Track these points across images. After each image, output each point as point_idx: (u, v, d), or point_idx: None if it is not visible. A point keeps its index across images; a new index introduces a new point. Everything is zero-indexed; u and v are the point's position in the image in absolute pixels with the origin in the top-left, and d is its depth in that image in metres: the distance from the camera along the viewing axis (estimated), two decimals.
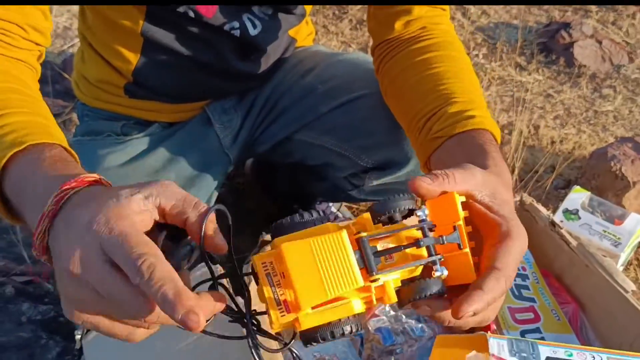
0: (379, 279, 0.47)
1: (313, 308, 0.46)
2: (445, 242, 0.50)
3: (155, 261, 0.43)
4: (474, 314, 0.51)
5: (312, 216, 0.49)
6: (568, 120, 1.74)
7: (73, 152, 0.58)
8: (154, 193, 0.48)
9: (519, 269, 0.95)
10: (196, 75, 0.94)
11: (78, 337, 0.85)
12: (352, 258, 0.45)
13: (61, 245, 0.47)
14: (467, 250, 0.50)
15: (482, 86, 1.87)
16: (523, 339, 0.75)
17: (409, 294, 0.51)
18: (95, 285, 0.45)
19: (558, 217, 1.19)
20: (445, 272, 0.49)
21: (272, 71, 1.02)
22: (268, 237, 0.85)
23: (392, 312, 0.90)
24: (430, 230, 0.51)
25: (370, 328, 0.89)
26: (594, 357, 0.73)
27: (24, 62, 0.70)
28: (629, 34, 2.11)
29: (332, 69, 1.01)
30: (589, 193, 1.25)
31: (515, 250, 0.53)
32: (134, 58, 0.91)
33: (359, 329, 0.49)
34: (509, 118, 1.73)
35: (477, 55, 2.02)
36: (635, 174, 1.30)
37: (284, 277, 0.45)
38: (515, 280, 0.93)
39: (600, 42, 2.00)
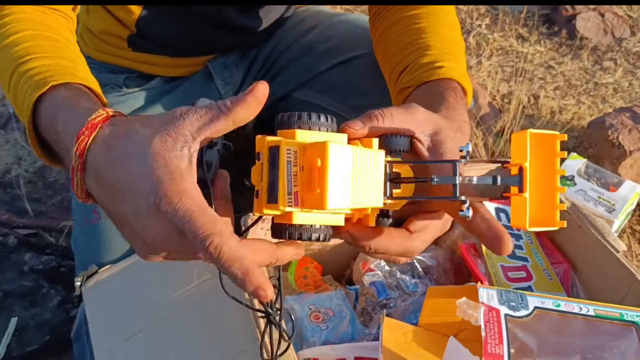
0: (386, 204, 0.47)
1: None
2: (500, 183, 0.48)
3: (221, 242, 0.45)
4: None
5: (320, 120, 0.48)
6: (568, 91, 1.75)
7: (97, 90, 0.60)
8: (188, 140, 0.48)
9: (512, 229, 0.97)
10: (196, 27, 0.94)
11: (77, 284, 0.86)
12: (382, 179, 0.46)
13: (124, 208, 0.49)
14: (527, 195, 0.48)
15: (484, 56, 1.87)
16: (512, 290, 0.77)
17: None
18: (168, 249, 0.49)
19: None
20: (470, 214, 0.48)
21: (274, 28, 1.02)
22: None
23: (387, 267, 0.92)
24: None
25: (365, 282, 0.90)
26: (580, 308, 0.75)
27: (60, 11, 0.71)
28: (632, 7, 2.10)
29: (333, 28, 1.02)
30: (585, 160, 1.27)
31: None
32: (136, 9, 0.91)
33: (327, 239, 0.49)
34: (509, 88, 1.73)
35: (479, 26, 2.02)
36: (632, 143, 1.31)
37: (304, 170, 0.45)
38: None
39: (602, 15, 2.00)
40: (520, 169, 0.48)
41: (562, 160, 0.50)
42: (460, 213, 0.48)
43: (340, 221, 0.49)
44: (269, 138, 0.48)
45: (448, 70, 0.69)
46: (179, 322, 0.81)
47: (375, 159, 0.46)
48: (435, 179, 0.47)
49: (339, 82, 0.97)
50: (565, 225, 0.49)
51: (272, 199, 0.46)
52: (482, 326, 0.71)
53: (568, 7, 2.01)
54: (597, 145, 1.37)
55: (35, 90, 0.57)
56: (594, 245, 0.88)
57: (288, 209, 0.45)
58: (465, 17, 2.05)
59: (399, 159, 0.51)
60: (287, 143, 0.46)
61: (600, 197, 1.21)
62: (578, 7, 2.01)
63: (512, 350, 0.70)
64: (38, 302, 1.03)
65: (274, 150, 0.47)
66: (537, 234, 0.95)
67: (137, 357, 0.80)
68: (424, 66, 0.71)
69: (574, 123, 1.59)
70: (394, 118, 0.53)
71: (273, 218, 0.49)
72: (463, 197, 0.47)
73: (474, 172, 1.04)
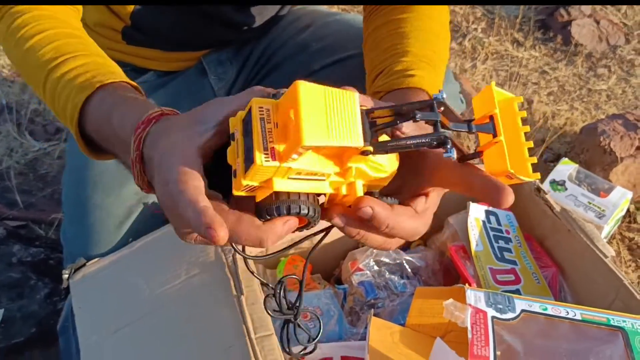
0: (370, 150, 0.45)
1: (290, 178, 0.46)
2: (475, 130, 0.48)
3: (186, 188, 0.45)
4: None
5: None
6: (561, 97, 1.75)
7: (135, 85, 0.62)
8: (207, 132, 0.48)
9: (502, 232, 0.97)
10: (192, 21, 0.94)
11: (65, 276, 0.86)
12: (358, 116, 0.45)
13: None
14: (502, 138, 0.47)
15: (479, 60, 1.87)
16: (499, 293, 0.77)
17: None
18: None
19: (545, 188, 1.21)
20: (454, 154, 0.46)
21: (269, 25, 1.02)
22: None
23: (376, 267, 0.92)
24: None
25: (353, 282, 0.90)
26: (567, 312, 0.75)
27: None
28: (627, 15, 2.11)
29: (327, 28, 1.02)
30: (576, 165, 1.27)
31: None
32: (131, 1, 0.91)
33: (316, 215, 0.49)
34: None
35: (475, 29, 2.02)
36: (624, 150, 1.32)
37: (278, 127, 0.44)
38: (498, 242, 0.95)
39: (598, 22, 2.00)
40: (491, 117, 0.48)
41: (523, 120, 0.50)
42: (444, 155, 0.46)
43: (324, 188, 0.48)
44: (241, 112, 0.47)
45: (419, 80, 0.69)
46: (166, 316, 0.80)
47: (348, 98, 0.45)
48: (419, 115, 0.46)
49: (332, 81, 0.97)
50: (539, 178, 0.49)
51: (249, 162, 0.44)
52: (469, 328, 0.71)
53: (563, 13, 2.02)
54: (588, 151, 1.38)
55: (80, 93, 0.59)
56: (582, 250, 0.88)
57: (266, 164, 0.43)
58: (461, 21, 2.05)
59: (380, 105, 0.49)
60: (258, 102, 0.45)
61: (590, 203, 1.21)
62: (573, 14, 2.01)
63: (498, 353, 0.70)
64: (25, 294, 1.02)
65: (247, 118, 0.45)
66: (526, 237, 0.96)
67: (124, 351, 0.80)
68: (397, 73, 0.71)
69: (567, 128, 1.59)
70: None
71: (255, 200, 0.47)
72: (447, 133, 0.46)
73: None
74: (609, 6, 2.13)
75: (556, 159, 1.47)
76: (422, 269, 0.93)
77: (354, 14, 1.06)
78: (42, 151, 1.39)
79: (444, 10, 0.82)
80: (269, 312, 0.60)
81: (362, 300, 0.89)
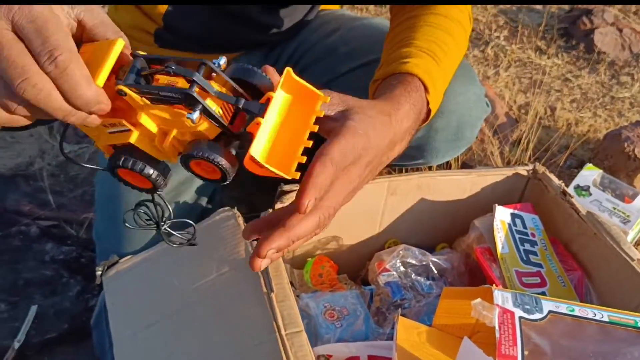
0: (122, 90, 0.47)
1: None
2: (241, 105, 0.49)
3: (72, 56, 0.44)
4: (277, 251, 0.54)
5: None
6: (584, 104, 1.75)
7: None
8: (79, 8, 0.48)
9: (527, 235, 0.97)
10: (222, 23, 0.96)
11: (98, 273, 0.88)
12: (108, 63, 0.46)
13: None
14: (261, 120, 0.48)
15: (502, 67, 1.88)
16: (527, 293, 0.78)
17: (188, 148, 0.51)
18: None
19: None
20: (195, 116, 0.47)
21: (297, 29, 1.04)
22: (286, 187, 0.88)
23: (402, 268, 0.93)
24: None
25: (380, 282, 0.92)
26: (595, 314, 0.75)
27: None
28: None
29: (355, 32, 1.03)
30: (600, 171, 1.27)
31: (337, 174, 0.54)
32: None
33: (162, 182, 0.55)
34: (526, 99, 1.74)
35: (498, 37, 2.03)
36: None
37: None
38: (524, 245, 0.95)
39: (620, 30, 2.00)
40: (268, 100, 0.49)
41: (317, 119, 0.51)
42: (186, 115, 0.47)
43: (135, 138, 0.51)
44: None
45: (411, 66, 0.69)
46: (197, 312, 0.82)
47: (107, 46, 0.47)
48: (173, 67, 0.48)
49: (359, 85, 0.98)
50: (297, 177, 0.50)
51: None
52: (497, 328, 0.72)
53: (586, 21, 2.02)
54: (612, 157, 1.38)
55: None
56: (608, 253, 0.89)
57: None
58: (483, 29, 2.06)
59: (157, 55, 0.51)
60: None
61: (615, 208, 1.21)
62: (596, 22, 2.01)
63: (525, 353, 0.71)
64: (58, 291, 1.05)
65: None
66: (552, 240, 0.96)
67: (156, 345, 0.82)
68: (394, 61, 0.72)
69: (590, 135, 1.59)
70: None
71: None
72: (194, 93, 0.47)
73: (490, 177, 1.04)
74: (631, 15, 2.13)
75: (579, 165, 1.47)
76: (447, 270, 0.94)
77: (381, 18, 1.08)
78: (72, 153, 1.42)
79: (463, 11, 0.83)
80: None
81: (389, 300, 0.90)
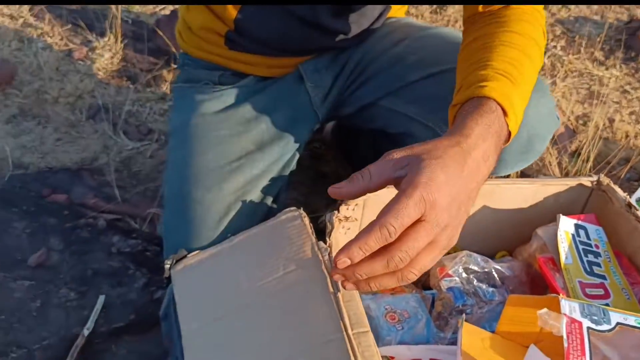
0: None
1: None
2: None
3: None
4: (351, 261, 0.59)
5: None
6: None
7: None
8: None
9: (591, 246, 0.97)
10: (292, 27, 0.98)
11: (167, 266, 0.91)
12: None
13: None
14: None
15: (559, 77, 1.86)
16: (593, 304, 0.77)
17: None
18: None
19: None
20: None
21: (364, 36, 1.06)
22: None
23: (464, 275, 0.93)
24: None
25: (442, 287, 0.92)
26: None
27: None
28: None
29: (423, 41, 1.05)
30: None
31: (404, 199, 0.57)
32: (236, 6, 0.97)
33: None
34: (584, 109, 1.72)
35: (555, 47, 2.01)
36: None
37: None
38: (587, 256, 0.95)
39: None
40: None
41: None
42: None
43: None
44: None
45: (489, 90, 0.70)
46: (265, 308, 0.84)
47: None
48: None
49: (429, 94, 0.99)
50: None
51: None
52: (565, 337, 0.72)
53: None
54: None
55: None
56: None
57: None
58: None
59: None
60: None
61: None
62: None
63: None
64: (124, 282, 1.08)
65: None
66: (616, 253, 0.95)
67: (223, 338, 0.84)
68: (471, 84, 0.73)
69: None
70: (371, 175, 0.62)
71: None
72: None
73: (553, 187, 1.04)
74: None
75: (639, 179, 1.45)
76: (509, 278, 0.94)
77: (448, 28, 1.09)
78: (135, 150, 1.46)
79: (537, 28, 0.83)
80: None
81: (451, 305, 0.91)
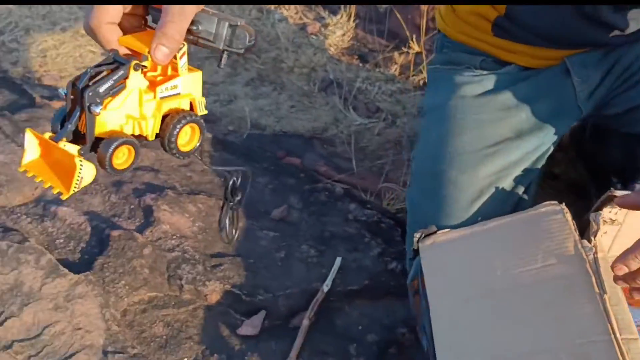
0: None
1: None
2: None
3: None
4: None
5: None
6: None
7: None
8: None
9: None
10: (566, 17, 0.95)
11: (415, 239, 0.93)
12: None
13: None
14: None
15: None
16: None
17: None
18: None
19: None
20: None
21: (639, 35, 1.00)
22: (616, 193, 0.86)
23: None
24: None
25: None
26: None
27: None
28: None
29: None
30: None
31: None
32: None
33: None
34: None
35: None
36: None
37: None
38: None
39: None
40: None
41: None
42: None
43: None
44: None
45: None
46: (520, 298, 0.84)
47: None
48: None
49: None
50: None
51: None
52: None
53: None
54: None
55: None
56: None
57: None
58: None
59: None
60: None
61: None
62: None
63: None
64: (359, 248, 1.13)
65: None
66: None
67: (473, 320, 0.85)
68: None
69: None
70: None
71: None
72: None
73: None
74: None
75: None
76: None
77: None
78: (362, 126, 1.51)
79: None
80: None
81: None
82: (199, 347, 0.97)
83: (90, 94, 0.57)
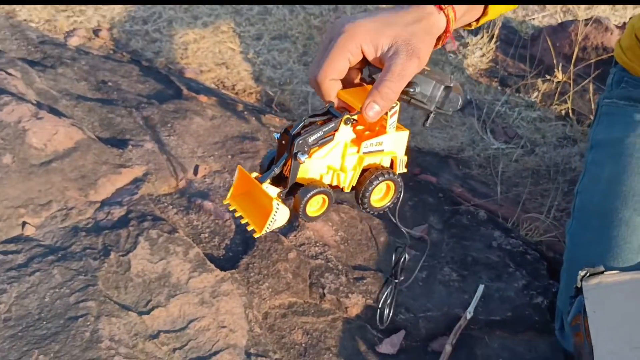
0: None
1: None
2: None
3: None
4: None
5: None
6: None
7: None
8: None
9: None
10: None
11: (579, 277, 0.88)
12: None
13: None
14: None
15: None
16: None
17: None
18: None
19: None
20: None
21: None
22: None
23: None
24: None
25: None
26: None
27: None
28: None
29: None
30: None
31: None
32: None
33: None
34: None
35: None
36: None
37: None
38: None
39: None
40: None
41: None
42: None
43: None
44: None
45: None
46: None
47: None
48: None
49: None
50: None
51: None
52: None
53: None
54: None
55: None
56: None
57: None
58: None
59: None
60: None
61: None
62: None
63: None
64: (503, 278, 1.09)
65: None
66: None
67: None
68: None
69: None
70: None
71: None
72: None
73: None
74: None
75: None
76: None
77: None
78: (500, 151, 1.47)
79: None
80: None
81: None
82: (337, 359, 0.96)
83: (299, 142, 0.60)
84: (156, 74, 1.61)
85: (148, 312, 0.99)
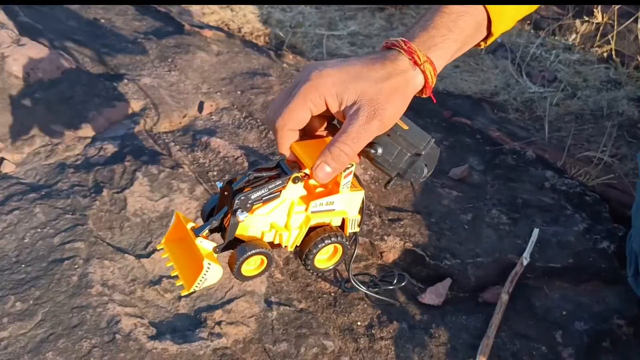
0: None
1: None
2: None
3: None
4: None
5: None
6: None
7: None
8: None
9: None
10: None
11: None
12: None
13: None
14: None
15: None
16: None
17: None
18: None
19: None
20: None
21: None
22: None
23: None
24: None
25: None
26: None
27: None
28: None
29: None
30: None
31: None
32: None
33: None
34: None
35: None
36: None
37: None
38: None
39: None
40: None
41: None
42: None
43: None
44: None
45: None
46: None
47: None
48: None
49: None
50: None
51: None
52: None
53: None
54: None
55: None
56: None
57: None
58: None
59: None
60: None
61: None
62: None
63: None
64: (560, 221, 0.94)
65: None
66: None
67: None
68: None
69: None
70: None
71: None
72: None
73: None
74: None
75: None
76: None
77: None
78: (537, 94, 1.32)
79: None
80: None
81: None
82: (373, 311, 0.81)
83: (241, 198, 0.54)
84: (154, 13, 1.45)
85: (148, 256, 0.84)
